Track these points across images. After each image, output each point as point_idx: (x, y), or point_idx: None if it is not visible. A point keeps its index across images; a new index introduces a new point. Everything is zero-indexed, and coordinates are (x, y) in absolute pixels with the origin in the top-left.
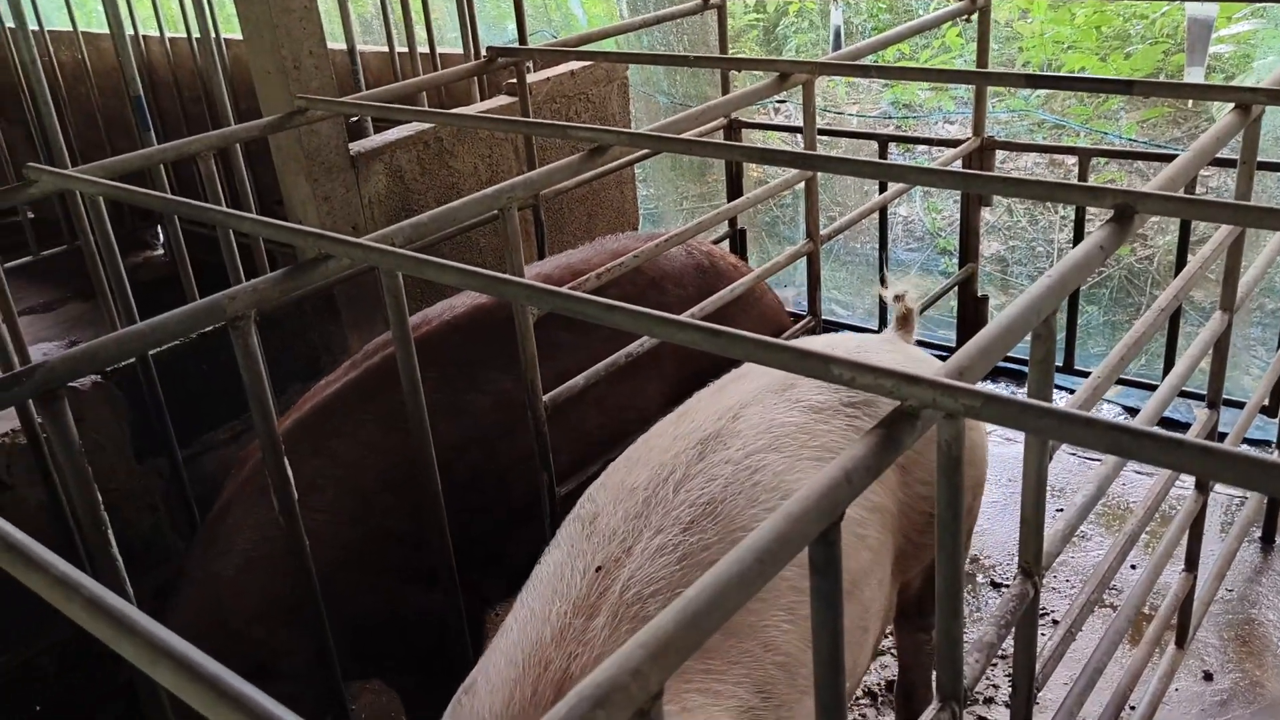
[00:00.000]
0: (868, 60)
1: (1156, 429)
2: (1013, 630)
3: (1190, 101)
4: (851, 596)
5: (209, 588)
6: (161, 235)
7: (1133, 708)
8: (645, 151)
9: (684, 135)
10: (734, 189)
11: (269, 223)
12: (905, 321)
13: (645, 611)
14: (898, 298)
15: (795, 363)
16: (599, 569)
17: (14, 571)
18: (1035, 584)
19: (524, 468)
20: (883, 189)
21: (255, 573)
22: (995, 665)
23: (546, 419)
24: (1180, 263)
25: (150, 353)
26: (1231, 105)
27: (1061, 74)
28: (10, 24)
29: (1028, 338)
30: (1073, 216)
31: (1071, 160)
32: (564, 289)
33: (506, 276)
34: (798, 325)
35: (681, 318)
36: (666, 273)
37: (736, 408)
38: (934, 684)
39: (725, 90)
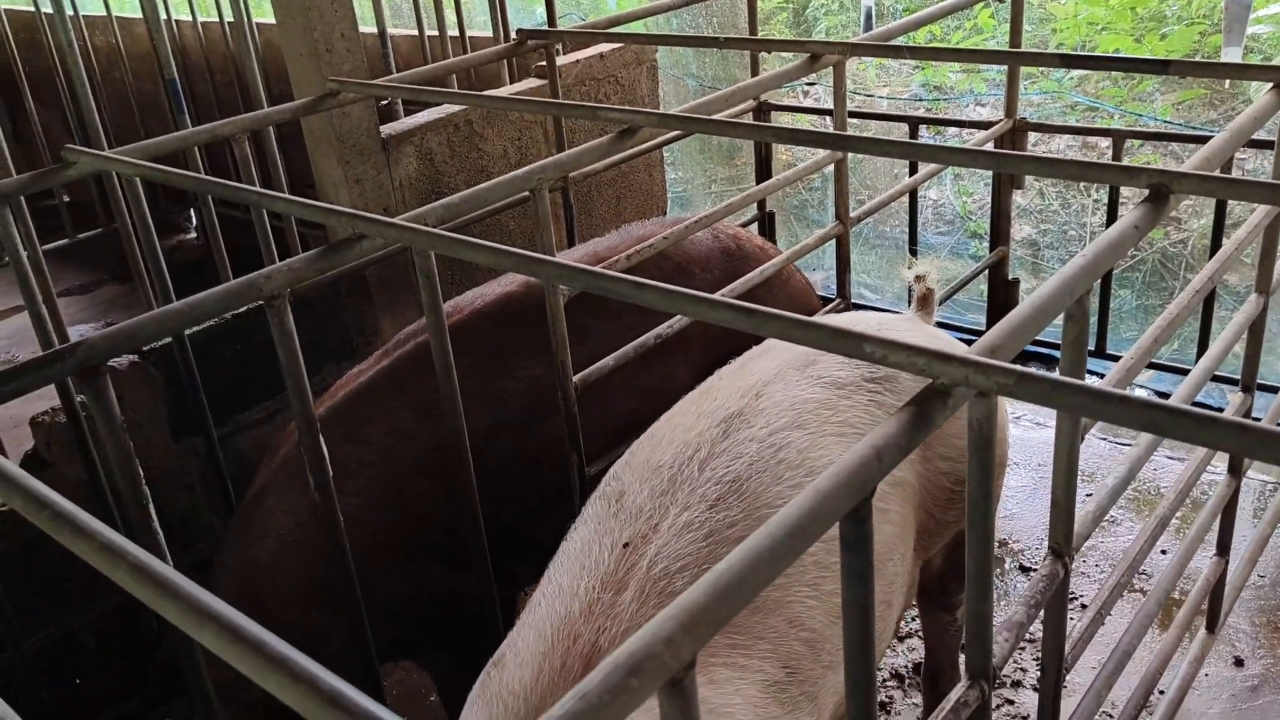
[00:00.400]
0: (899, 41)
1: (1192, 407)
2: (1042, 611)
3: (1227, 83)
4: (876, 572)
5: (245, 572)
6: (195, 219)
7: (1161, 692)
8: (675, 134)
9: (714, 117)
10: (763, 172)
11: (303, 203)
12: (925, 302)
13: (672, 587)
14: (919, 278)
15: (828, 341)
16: (626, 545)
17: (62, 539)
18: (1065, 565)
19: (554, 453)
20: (913, 171)
21: (291, 557)
22: (1023, 649)
23: (576, 400)
24: (1215, 246)
25: (186, 333)
26: (1270, 85)
27: (1096, 54)
28: (47, 9)
29: (1060, 319)
30: (1105, 200)
31: (1105, 142)
32: (596, 268)
33: (539, 255)
34: (827, 308)
35: (713, 296)
36: (693, 257)
37: (759, 385)
38: (962, 663)
39: (755, 73)
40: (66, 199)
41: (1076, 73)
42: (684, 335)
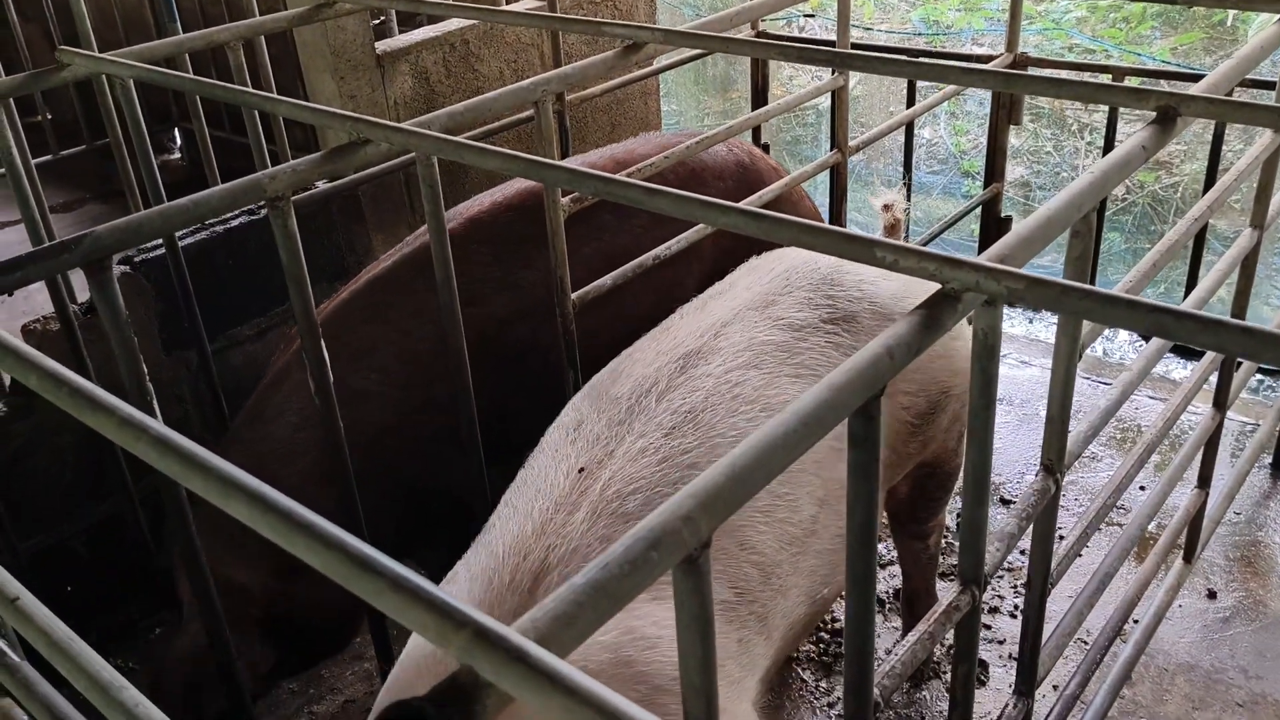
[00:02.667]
0: None
1: (1199, 311)
2: (1031, 526)
3: (1229, 19)
4: (831, 506)
5: (262, 447)
6: (178, 139)
7: (1136, 622)
8: (676, 58)
9: (718, 34)
10: (759, 103)
11: (306, 106)
12: (893, 232)
13: (624, 508)
14: (886, 207)
15: (839, 245)
16: (581, 470)
17: (82, 416)
18: (1057, 481)
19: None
20: (910, 103)
21: (309, 432)
22: (1001, 577)
23: (575, 316)
24: (1209, 187)
25: (180, 244)
26: (1277, 17)
27: None
28: None
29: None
30: (1099, 143)
31: (1105, 79)
32: (604, 172)
33: (548, 160)
34: None
35: (724, 202)
36: (707, 165)
37: (718, 325)
38: (958, 570)
39: None
40: (49, 115)
41: (1077, 13)
42: (696, 243)
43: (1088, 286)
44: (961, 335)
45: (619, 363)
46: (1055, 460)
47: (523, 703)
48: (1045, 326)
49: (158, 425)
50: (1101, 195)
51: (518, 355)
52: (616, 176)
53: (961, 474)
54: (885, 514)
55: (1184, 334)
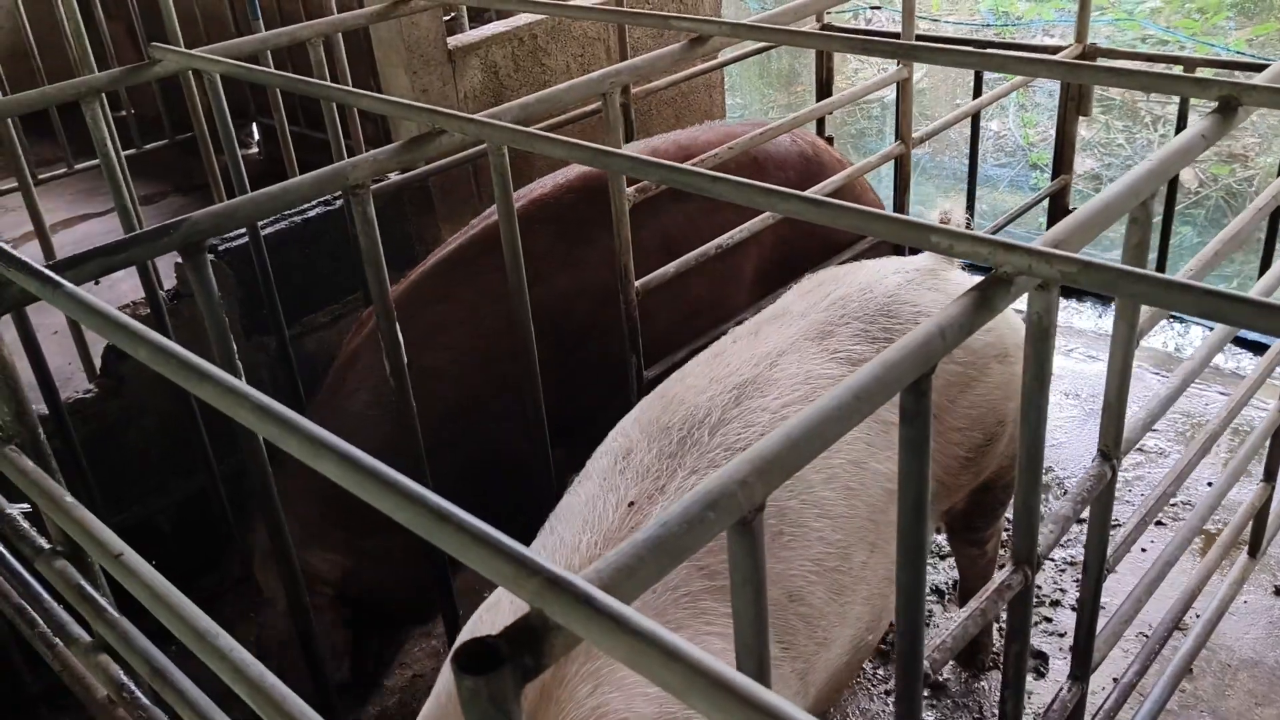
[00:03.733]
0: None
1: (1251, 295)
2: (1088, 511)
3: None
4: (882, 549)
5: (337, 420)
6: (256, 134)
7: (1198, 616)
8: (741, 50)
9: (782, 27)
10: (824, 96)
11: (385, 99)
12: None
13: None
14: (944, 220)
15: (896, 230)
16: (631, 504)
17: (188, 385)
18: (1113, 466)
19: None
20: (977, 94)
21: (383, 408)
22: (1064, 570)
23: (638, 301)
24: None
25: (262, 233)
26: None
27: None
28: None
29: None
30: (1171, 135)
31: (1176, 70)
32: (665, 161)
33: (612, 149)
34: None
35: (784, 189)
36: (770, 155)
37: (774, 355)
38: (1010, 550)
39: None
40: (133, 111)
41: (1151, 3)
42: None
43: (1141, 270)
44: (1019, 358)
45: (669, 386)
46: (1112, 446)
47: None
48: (1095, 315)
49: (256, 393)
50: (1160, 183)
51: (580, 333)
52: (680, 165)
53: (1016, 456)
54: (942, 524)
55: (1237, 317)
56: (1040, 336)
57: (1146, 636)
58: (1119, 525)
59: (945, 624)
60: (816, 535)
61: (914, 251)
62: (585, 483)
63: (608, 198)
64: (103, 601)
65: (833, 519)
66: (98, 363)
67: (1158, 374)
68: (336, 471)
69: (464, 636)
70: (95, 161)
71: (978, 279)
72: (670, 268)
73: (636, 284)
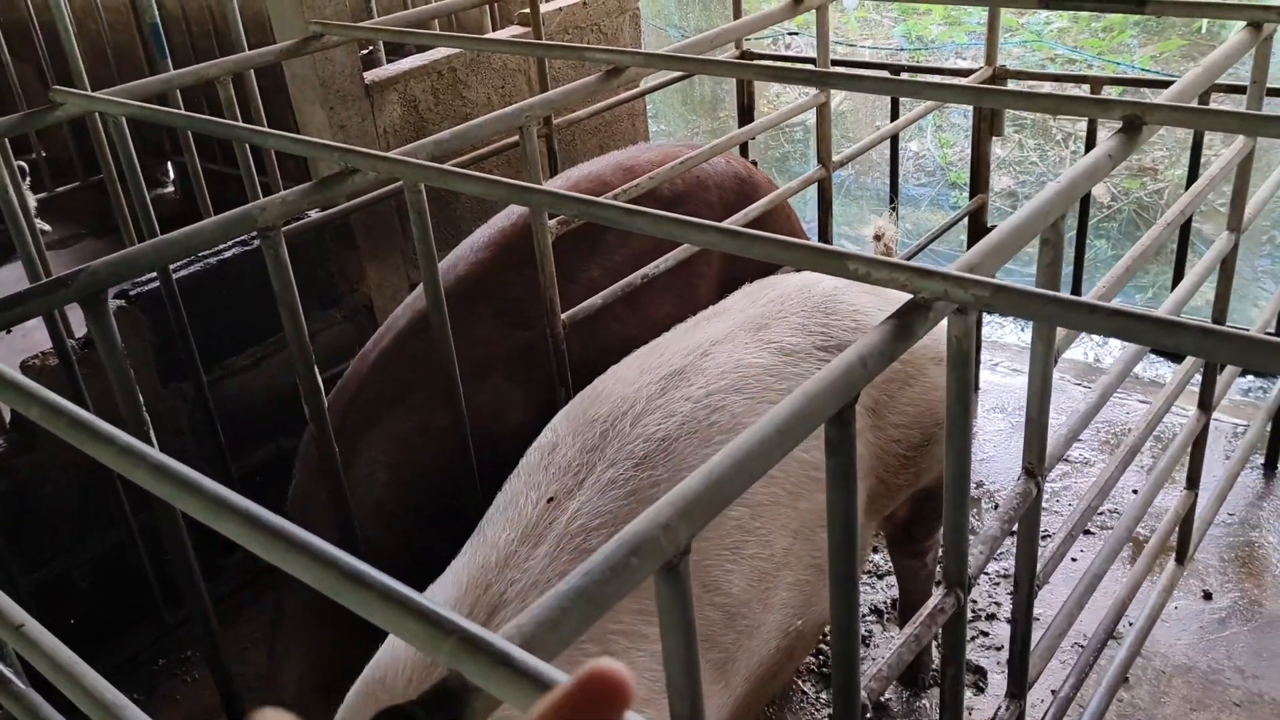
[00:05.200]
0: None
1: (1159, 313)
2: (1015, 528)
3: (1204, 29)
4: (805, 536)
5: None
6: (171, 173)
7: (1131, 624)
8: (662, 79)
9: (699, 56)
10: (746, 122)
11: (294, 138)
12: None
13: (587, 544)
14: (877, 236)
15: (811, 259)
16: (551, 500)
17: (82, 445)
18: (1038, 484)
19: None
20: (894, 117)
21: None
22: (998, 584)
23: (566, 336)
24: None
25: (174, 276)
26: (1243, 23)
27: None
28: None
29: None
30: (1083, 151)
31: (1084, 89)
32: (585, 195)
33: (531, 185)
34: None
35: (700, 221)
36: (710, 175)
37: (706, 345)
38: (942, 572)
39: (738, 18)
40: (43, 154)
41: (1058, 24)
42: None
43: (1052, 293)
44: (939, 378)
45: (602, 380)
46: (1036, 463)
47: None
48: (1016, 327)
49: (153, 452)
50: (1069, 204)
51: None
52: (597, 199)
53: (942, 478)
54: (882, 535)
55: (1146, 336)
56: (961, 361)
57: (1082, 647)
58: (1048, 537)
59: (885, 643)
60: (733, 523)
61: None
62: (513, 480)
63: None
64: (8, 673)
65: (750, 506)
66: (8, 415)
67: (1079, 385)
68: (239, 532)
69: (361, 690)
70: None
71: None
72: (597, 299)
73: (563, 316)
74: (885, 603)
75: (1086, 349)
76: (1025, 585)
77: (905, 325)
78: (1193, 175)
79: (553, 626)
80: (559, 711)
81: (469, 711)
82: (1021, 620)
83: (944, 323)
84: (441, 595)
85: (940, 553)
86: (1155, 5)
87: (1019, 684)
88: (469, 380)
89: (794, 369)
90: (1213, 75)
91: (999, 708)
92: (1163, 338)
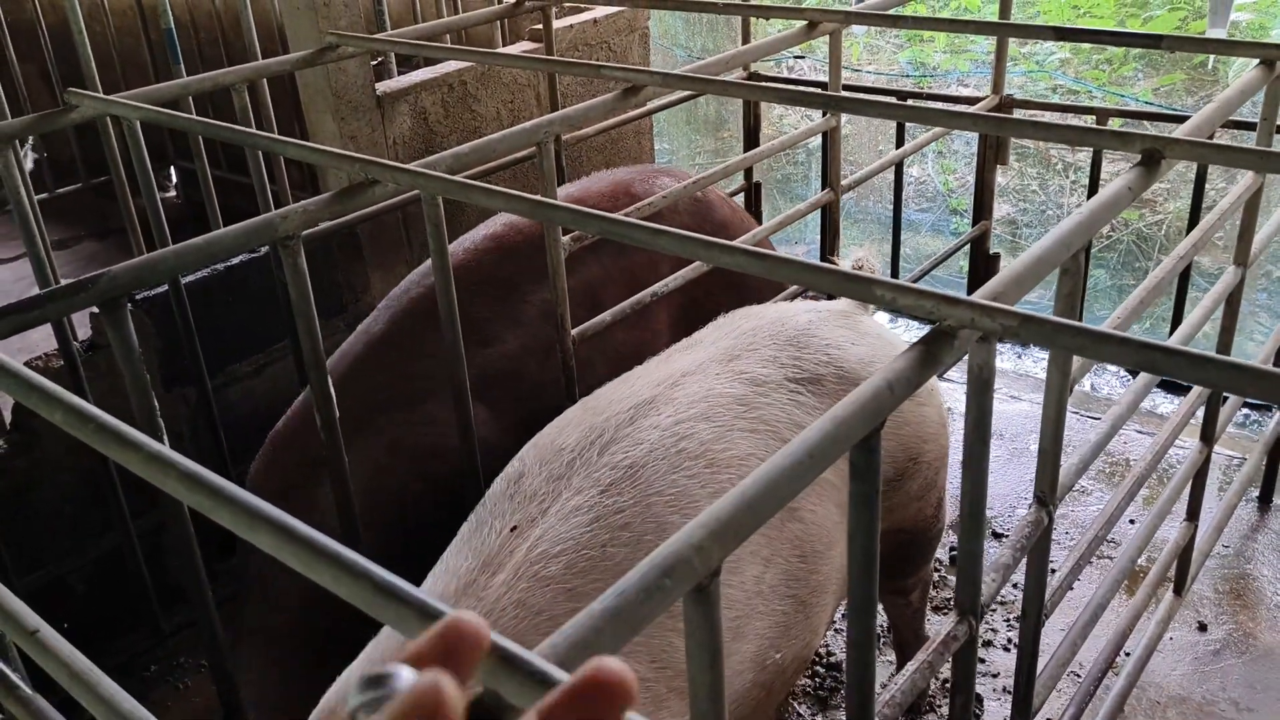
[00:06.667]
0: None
1: (1187, 347)
2: (1025, 558)
3: (1209, 64)
4: (778, 566)
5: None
6: (174, 177)
7: (1128, 654)
8: (675, 96)
9: (714, 77)
10: (751, 143)
11: (314, 148)
12: None
13: (546, 571)
14: (857, 266)
15: (840, 285)
16: (514, 529)
17: (109, 452)
18: (1049, 513)
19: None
20: (900, 144)
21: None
22: (994, 610)
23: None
24: (1193, 225)
25: (182, 281)
26: (1256, 61)
27: (1088, 27)
28: None
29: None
30: (1084, 181)
31: (1089, 120)
32: (608, 214)
33: (552, 201)
34: None
35: (726, 242)
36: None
37: (677, 375)
38: (954, 601)
39: (746, 42)
40: (45, 154)
41: (1060, 54)
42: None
43: (1079, 324)
44: (930, 403)
45: (573, 411)
46: (1048, 492)
47: None
48: (1035, 362)
49: (185, 461)
50: (1090, 235)
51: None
52: (620, 218)
53: (958, 506)
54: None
55: (1174, 370)
56: (981, 388)
57: (1078, 676)
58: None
59: (882, 667)
60: (671, 625)
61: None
62: (479, 509)
63: (521, 255)
64: (15, 678)
65: (674, 618)
66: (8, 417)
67: (1078, 414)
68: (271, 543)
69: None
70: (5, 208)
71: (888, 321)
72: (606, 315)
73: (573, 333)
74: (881, 626)
75: (1086, 378)
76: (1034, 615)
77: (931, 352)
78: (1195, 208)
79: (586, 646)
80: (561, 708)
81: None
82: (1028, 650)
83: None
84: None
85: (926, 595)
86: (1170, 41)
87: (1023, 714)
88: (436, 397)
89: (764, 399)
90: (1227, 110)
91: None
92: (1192, 372)
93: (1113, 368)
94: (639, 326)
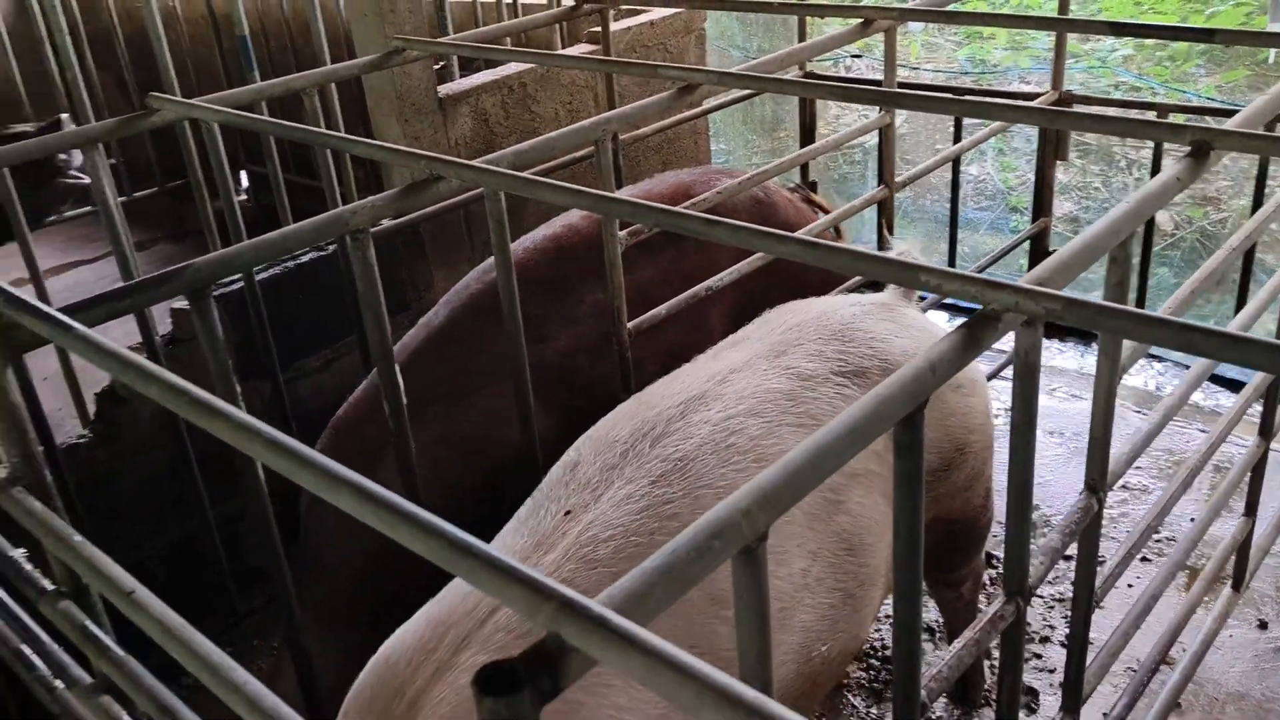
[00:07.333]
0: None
1: (1226, 329)
2: (1075, 545)
3: (1270, 59)
4: (824, 560)
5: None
6: (245, 181)
7: (1185, 650)
8: (731, 96)
9: (769, 75)
10: (807, 141)
11: (382, 146)
12: None
13: (595, 554)
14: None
15: (889, 272)
16: (568, 513)
17: (199, 420)
18: (1100, 499)
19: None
20: (957, 139)
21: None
22: (1052, 608)
23: (630, 342)
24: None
25: (257, 278)
26: None
27: (1143, 22)
28: None
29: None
30: (1146, 178)
31: (1149, 116)
32: (665, 205)
33: (612, 195)
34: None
35: (779, 231)
36: (724, 203)
37: (726, 372)
38: (1003, 582)
39: (802, 40)
40: (121, 159)
41: (1123, 50)
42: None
43: (1121, 306)
44: (976, 393)
45: (626, 405)
46: (1098, 479)
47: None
48: (1077, 354)
49: (268, 429)
50: (1137, 223)
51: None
52: (676, 209)
53: (1005, 490)
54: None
55: (1213, 349)
56: (1026, 372)
57: (1134, 671)
58: (1104, 561)
59: (936, 661)
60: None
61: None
62: (536, 493)
63: (578, 256)
64: (107, 640)
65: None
66: (90, 409)
67: (1139, 412)
68: (353, 504)
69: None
70: (87, 209)
71: (933, 314)
72: (661, 309)
73: (629, 325)
74: (937, 621)
75: (1147, 377)
76: (1084, 602)
77: (974, 335)
78: (1257, 203)
79: (640, 600)
80: None
81: (565, 669)
82: (1079, 634)
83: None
84: (458, 589)
85: (977, 587)
86: (1223, 35)
87: (1074, 699)
88: (485, 391)
89: (810, 393)
90: (1278, 105)
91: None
92: (1231, 352)
93: (1177, 369)
94: (692, 328)
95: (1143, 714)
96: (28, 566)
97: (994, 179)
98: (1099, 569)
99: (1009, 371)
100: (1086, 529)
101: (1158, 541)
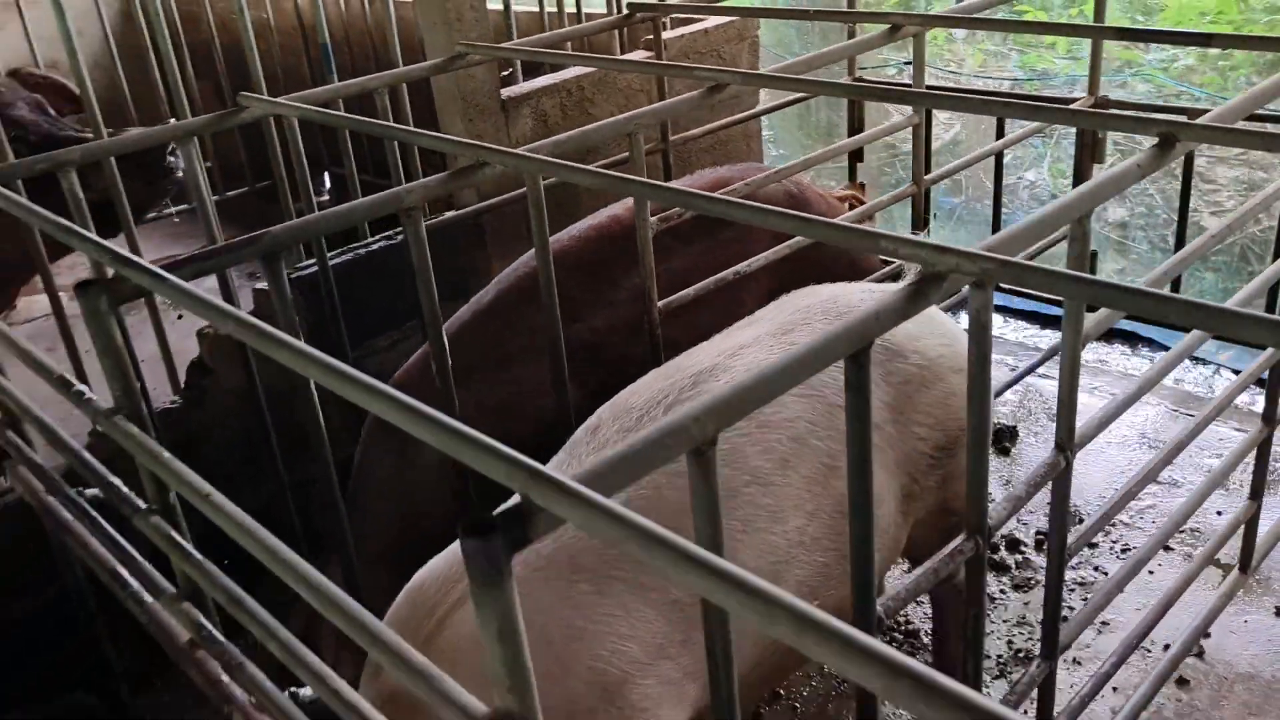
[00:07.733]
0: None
1: (1179, 295)
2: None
3: None
4: (822, 520)
5: None
6: (328, 182)
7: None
8: (773, 101)
9: (800, 76)
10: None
11: (436, 136)
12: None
13: None
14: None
15: (846, 237)
16: None
17: (291, 362)
18: (1067, 457)
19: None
20: (999, 136)
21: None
22: (1073, 591)
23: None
24: None
25: (331, 263)
26: None
27: (1179, 29)
28: None
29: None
30: (1204, 186)
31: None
32: (688, 188)
33: (641, 179)
34: (887, 269)
35: (793, 212)
36: (757, 196)
37: (736, 348)
38: (965, 521)
39: None
40: (214, 160)
41: (1184, 60)
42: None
43: (1050, 268)
44: (961, 369)
45: (647, 377)
46: (1065, 438)
47: None
48: (1142, 359)
49: (357, 374)
50: (1094, 204)
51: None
52: (697, 191)
53: (966, 433)
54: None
55: (1171, 312)
56: (979, 330)
57: (1148, 651)
58: (1127, 549)
59: (897, 586)
60: (746, 499)
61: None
62: (562, 451)
63: (618, 243)
64: (189, 547)
65: (763, 485)
66: (181, 378)
67: (1176, 411)
68: (433, 436)
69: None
70: (187, 206)
71: (1000, 323)
72: (689, 291)
73: (659, 304)
74: (925, 630)
75: (1186, 379)
76: (1057, 551)
77: (919, 290)
78: None
79: (599, 477)
80: None
81: (534, 524)
82: (1053, 584)
83: (964, 338)
84: None
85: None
86: (1221, 40)
87: (1050, 646)
88: (522, 363)
89: None
90: (1255, 103)
91: (1031, 666)
92: (1187, 317)
93: (1227, 371)
94: (725, 313)
95: (1149, 693)
96: (125, 489)
97: (1048, 185)
98: (1122, 555)
99: (1045, 368)
100: (1057, 482)
101: (1181, 533)
